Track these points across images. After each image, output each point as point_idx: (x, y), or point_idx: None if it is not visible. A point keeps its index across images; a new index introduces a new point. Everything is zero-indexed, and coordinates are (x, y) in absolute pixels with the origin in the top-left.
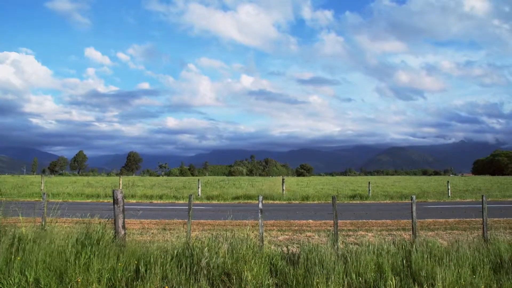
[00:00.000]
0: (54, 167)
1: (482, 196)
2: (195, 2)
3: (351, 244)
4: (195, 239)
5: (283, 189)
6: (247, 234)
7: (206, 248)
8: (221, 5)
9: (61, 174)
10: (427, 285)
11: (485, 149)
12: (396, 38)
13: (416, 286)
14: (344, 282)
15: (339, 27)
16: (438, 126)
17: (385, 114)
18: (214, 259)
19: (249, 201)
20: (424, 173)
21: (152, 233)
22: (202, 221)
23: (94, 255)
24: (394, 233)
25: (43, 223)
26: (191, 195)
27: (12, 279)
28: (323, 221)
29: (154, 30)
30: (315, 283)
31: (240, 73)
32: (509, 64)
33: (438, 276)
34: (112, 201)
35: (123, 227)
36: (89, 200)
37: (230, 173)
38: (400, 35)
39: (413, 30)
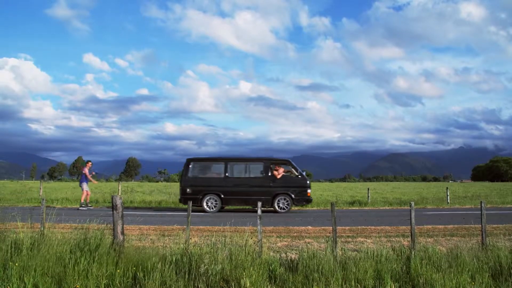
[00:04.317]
0: (53, 172)
1: (481, 202)
2: (193, 8)
3: (350, 250)
4: (194, 245)
5: None
6: (246, 240)
7: (205, 254)
8: (219, 11)
9: (60, 180)
10: None
11: (484, 155)
12: (394, 45)
13: None
14: None
15: (336, 34)
16: (437, 132)
17: (383, 120)
18: (212, 266)
19: (248, 207)
20: (424, 179)
21: (151, 239)
22: (201, 227)
23: (93, 261)
24: (393, 239)
25: (42, 229)
26: (190, 201)
27: (11, 285)
28: (322, 227)
29: (153, 37)
30: None
31: (239, 79)
32: (506, 70)
33: (437, 282)
34: (111, 207)
35: (122, 233)
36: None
37: None
38: (397, 42)
39: (410, 37)
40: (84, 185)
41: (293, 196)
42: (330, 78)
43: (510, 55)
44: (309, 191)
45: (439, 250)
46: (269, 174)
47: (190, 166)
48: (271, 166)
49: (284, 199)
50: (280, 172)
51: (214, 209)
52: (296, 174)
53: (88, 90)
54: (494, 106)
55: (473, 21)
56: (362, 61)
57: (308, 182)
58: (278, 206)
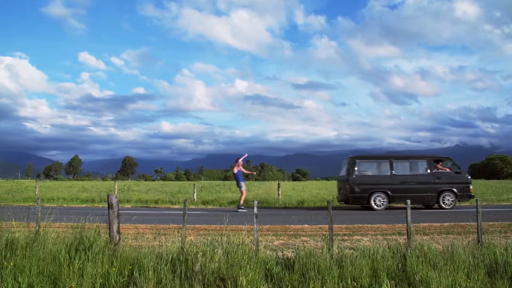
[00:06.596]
0: (49, 171)
1: (477, 200)
2: (189, 7)
3: (347, 248)
4: (190, 244)
5: (278, 194)
6: (242, 239)
7: (201, 253)
8: (214, 10)
9: (56, 179)
10: None
11: (480, 153)
12: (390, 43)
13: None
14: (339, 286)
15: (332, 32)
16: (433, 130)
17: (380, 118)
18: (209, 264)
19: (244, 205)
20: None
21: (147, 238)
22: (197, 226)
23: (88, 260)
24: (390, 237)
25: (37, 228)
26: (186, 200)
27: (5, 284)
28: (319, 225)
29: (149, 35)
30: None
31: (235, 77)
32: (501, 68)
33: (433, 280)
34: (107, 206)
35: (118, 232)
36: (84, 205)
37: (226, 178)
38: (393, 40)
39: (406, 35)
40: (243, 185)
41: (456, 192)
42: (326, 77)
43: (505, 54)
44: (471, 187)
45: (435, 248)
46: (433, 171)
47: (356, 164)
48: (434, 163)
49: (449, 195)
50: (444, 169)
51: (382, 207)
52: (458, 170)
53: (84, 88)
54: (489, 104)
55: (468, 20)
56: (358, 60)
57: (469, 178)
58: (443, 203)
